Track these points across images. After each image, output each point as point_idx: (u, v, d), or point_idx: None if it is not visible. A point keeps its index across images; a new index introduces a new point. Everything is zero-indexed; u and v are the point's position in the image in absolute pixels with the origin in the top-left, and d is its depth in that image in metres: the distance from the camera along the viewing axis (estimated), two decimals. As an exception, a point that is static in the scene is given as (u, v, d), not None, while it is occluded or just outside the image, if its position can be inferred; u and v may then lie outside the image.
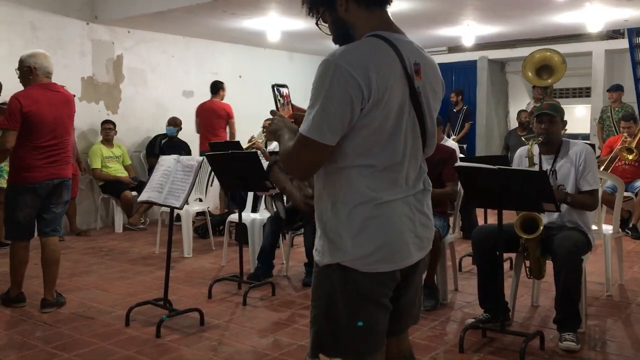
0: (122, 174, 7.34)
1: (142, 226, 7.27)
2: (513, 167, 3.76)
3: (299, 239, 5.34)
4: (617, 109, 8.16)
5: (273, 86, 1.95)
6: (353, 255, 1.69)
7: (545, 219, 3.56)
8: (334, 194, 1.72)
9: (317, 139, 1.63)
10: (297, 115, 1.91)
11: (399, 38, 1.73)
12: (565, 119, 3.73)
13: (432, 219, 1.87)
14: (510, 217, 3.50)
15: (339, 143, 1.66)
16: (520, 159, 3.81)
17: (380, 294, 1.74)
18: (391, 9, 6.59)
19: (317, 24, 1.81)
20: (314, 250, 1.81)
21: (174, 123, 7.75)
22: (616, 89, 8.22)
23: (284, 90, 1.98)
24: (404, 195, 1.73)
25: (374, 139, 1.67)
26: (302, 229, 4.81)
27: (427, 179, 1.86)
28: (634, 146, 6.51)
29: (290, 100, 1.98)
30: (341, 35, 1.77)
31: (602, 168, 6.44)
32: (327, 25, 1.80)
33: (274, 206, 4.87)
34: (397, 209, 1.71)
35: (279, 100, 1.94)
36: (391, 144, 1.69)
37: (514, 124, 9.75)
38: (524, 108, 9.29)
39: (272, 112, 1.91)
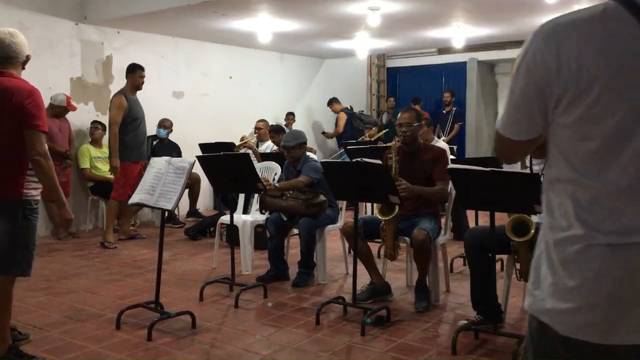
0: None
1: (137, 235, 6.95)
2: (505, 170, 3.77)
3: (295, 240, 5.33)
4: None
5: None
6: (548, 306, 1.26)
7: (536, 219, 3.57)
8: (545, 214, 1.32)
9: (501, 131, 1.34)
10: None
11: None
12: None
13: None
14: (501, 218, 3.50)
15: (547, 146, 1.31)
16: (512, 162, 3.81)
17: None
18: (382, 11, 6.64)
19: None
20: None
21: (164, 125, 7.70)
22: None
23: None
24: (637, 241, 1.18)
25: (584, 147, 1.22)
26: (298, 231, 4.83)
27: None
28: None
29: None
30: None
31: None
32: None
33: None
34: (623, 258, 1.19)
35: None
36: (616, 161, 1.19)
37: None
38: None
39: None
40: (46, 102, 6.58)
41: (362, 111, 10.60)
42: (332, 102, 10.30)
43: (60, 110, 6.74)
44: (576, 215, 1.22)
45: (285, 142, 4.96)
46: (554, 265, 1.25)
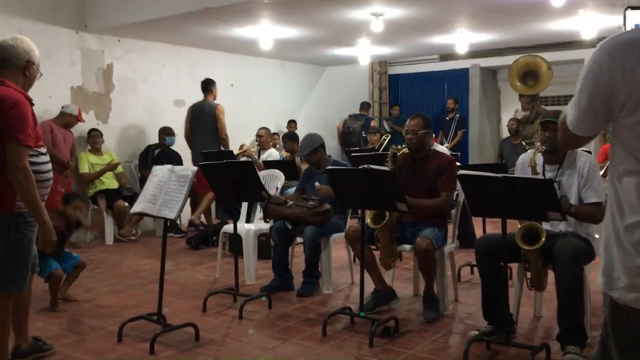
0: (112, 183, 7.21)
1: (133, 237, 7.13)
2: (517, 175, 3.69)
3: (299, 249, 5.23)
4: None
5: None
6: (622, 284, 1.46)
7: (547, 227, 3.49)
8: (612, 203, 1.53)
9: (572, 130, 1.58)
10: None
11: None
12: None
13: None
14: (511, 225, 3.42)
15: (613, 142, 1.53)
16: (523, 167, 3.73)
17: None
18: (385, 17, 6.57)
19: None
20: None
21: (169, 133, 7.63)
22: None
23: None
24: None
25: None
26: (303, 240, 4.72)
27: None
28: None
29: None
30: None
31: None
32: None
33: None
34: None
35: None
36: None
37: (506, 132, 9.74)
38: (513, 116, 9.22)
39: None
40: (44, 111, 6.56)
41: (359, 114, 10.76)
42: (360, 106, 10.89)
43: (70, 119, 6.74)
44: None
45: (301, 152, 5.10)
46: (625, 247, 1.44)
